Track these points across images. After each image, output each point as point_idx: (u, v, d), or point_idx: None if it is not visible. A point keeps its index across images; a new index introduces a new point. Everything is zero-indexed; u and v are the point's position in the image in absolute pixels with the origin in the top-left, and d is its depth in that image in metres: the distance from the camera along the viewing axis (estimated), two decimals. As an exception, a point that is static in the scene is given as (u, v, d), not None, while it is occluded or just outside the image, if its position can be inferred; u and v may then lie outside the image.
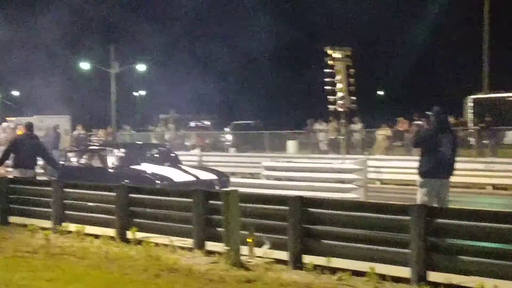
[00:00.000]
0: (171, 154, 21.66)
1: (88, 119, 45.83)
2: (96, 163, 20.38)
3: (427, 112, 14.88)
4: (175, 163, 20.37)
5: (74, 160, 21.28)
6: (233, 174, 29.33)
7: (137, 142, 29.92)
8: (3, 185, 16.30)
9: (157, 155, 21.07)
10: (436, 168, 13.24)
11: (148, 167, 19.20)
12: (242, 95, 73.05)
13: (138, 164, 19.57)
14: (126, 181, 17.17)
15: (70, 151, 23.10)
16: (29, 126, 18.47)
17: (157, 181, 18.00)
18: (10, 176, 17.94)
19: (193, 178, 18.63)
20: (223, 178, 19.62)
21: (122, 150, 20.81)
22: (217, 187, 18.34)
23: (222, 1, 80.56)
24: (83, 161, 20.99)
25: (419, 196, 13.36)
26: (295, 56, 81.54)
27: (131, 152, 20.82)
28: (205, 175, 19.27)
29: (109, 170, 19.53)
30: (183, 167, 19.93)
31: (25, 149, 17.52)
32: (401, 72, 72.01)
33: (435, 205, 12.84)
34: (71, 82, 56.65)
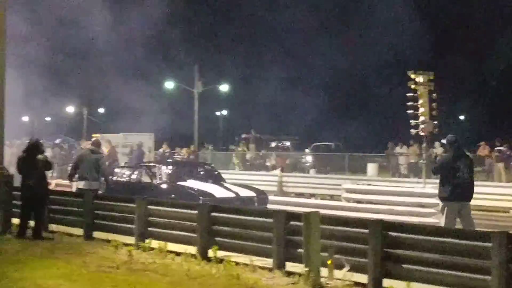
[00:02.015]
0: (215, 172, 22.94)
1: (171, 138, 46.36)
2: (145, 178, 21.60)
3: (442, 141, 15.70)
4: (218, 180, 21.60)
5: (125, 175, 22.58)
6: (313, 195, 29.41)
7: (184, 160, 31.22)
8: (89, 201, 16.63)
9: (202, 173, 22.48)
10: (455, 192, 14.31)
11: (193, 183, 20.44)
12: (322, 116, 73.03)
13: (184, 180, 20.80)
14: (172, 196, 19.16)
15: (120, 167, 24.75)
16: (95, 143, 20.00)
17: (200, 197, 18.93)
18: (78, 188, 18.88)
19: (233, 195, 19.74)
20: (262, 195, 20.67)
21: (170, 167, 22.25)
22: (256, 204, 19.62)
23: (302, 23, 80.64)
24: (134, 176, 22.24)
25: (442, 219, 14.52)
26: (377, 78, 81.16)
27: (178, 169, 22.33)
28: (245, 192, 20.29)
29: (157, 185, 20.78)
30: (225, 184, 21.15)
31: (87, 163, 18.49)
32: (483, 96, 71.06)
33: (460, 226, 14.09)
34: (156, 100, 57.43)
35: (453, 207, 14.41)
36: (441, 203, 14.80)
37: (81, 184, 18.48)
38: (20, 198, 16.78)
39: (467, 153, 15.63)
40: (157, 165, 22.41)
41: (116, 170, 23.33)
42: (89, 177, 18.37)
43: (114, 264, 12.91)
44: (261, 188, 29.54)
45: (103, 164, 19.15)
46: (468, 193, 14.61)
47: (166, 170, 21.61)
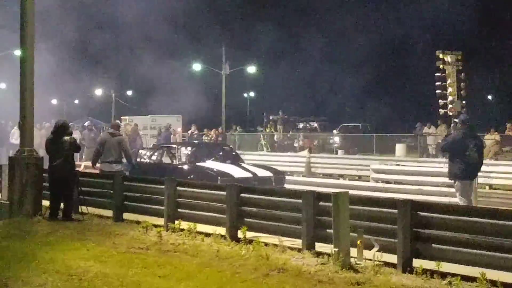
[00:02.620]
0: (233, 153, 23.84)
1: (199, 120, 46.50)
2: (166, 159, 22.19)
3: (455, 120, 15.74)
4: (236, 161, 22.12)
5: (147, 157, 22.95)
6: (341, 176, 29.37)
7: (203, 142, 31.69)
8: (118, 183, 16.72)
9: (221, 154, 22.84)
10: (467, 170, 14.86)
11: (212, 164, 20.89)
12: (350, 97, 72.82)
13: (204, 161, 21.24)
14: (191, 176, 19.58)
15: (143, 149, 25.09)
16: (115, 126, 20.38)
17: (218, 177, 19.29)
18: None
19: (251, 175, 20.08)
20: (279, 175, 21.08)
21: (190, 148, 22.77)
22: (273, 184, 19.92)
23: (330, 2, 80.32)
24: (154, 158, 22.70)
25: (458, 196, 15.04)
26: (406, 59, 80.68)
27: (198, 150, 22.79)
28: (262, 172, 20.62)
29: (176, 166, 21.23)
30: (243, 164, 21.64)
31: (109, 146, 18.70)
32: (510, 76, 70.40)
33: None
34: (184, 82, 57.51)
35: (466, 184, 15.00)
36: (454, 183, 15.25)
37: (105, 167, 18.70)
38: (48, 180, 16.96)
39: (477, 134, 15.93)
40: (177, 146, 22.85)
41: (141, 151, 23.64)
42: (112, 160, 18.61)
43: (144, 245, 13.00)
44: (290, 169, 30.00)
45: (125, 146, 19.31)
46: (475, 172, 15.29)
47: (185, 151, 22.08)
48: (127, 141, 21.08)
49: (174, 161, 21.64)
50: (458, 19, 70.09)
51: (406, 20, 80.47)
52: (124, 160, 19.20)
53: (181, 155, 21.66)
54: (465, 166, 14.83)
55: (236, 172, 20.07)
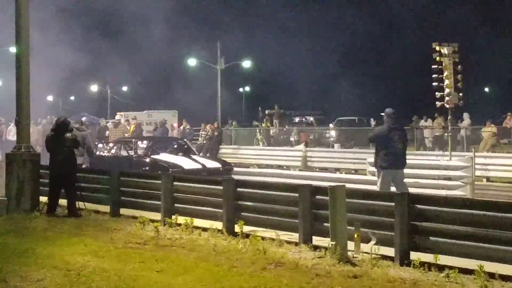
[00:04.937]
0: (185, 146, 25.15)
1: (195, 114, 46.49)
2: (124, 153, 24.01)
3: (381, 113, 17.80)
4: (188, 153, 23.62)
5: (107, 150, 24.75)
6: (338, 170, 29.37)
7: (158, 136, 33.10)
8: (115, 178, 16.74)
9: (175, 147, 24.76)
10: (389, 161, 15.81)
11: (165, 157, 22.55)
12: (346, 91, 72.83)
13: (158, 154, 23.03)
14: (146, 168, 21.24)
15: (102, 143, 27.02)
16: (80, 122, 22.81)
17: (170, 169, 20.39)
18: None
19: (200, 166, 21.74)
20: (227, 166, 22.83)
21: (145, 142, 25.05)
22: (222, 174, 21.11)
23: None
24: (113, 151, 24.51)
25: (378, 184, 15.95)
26: (401, 52, 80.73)
27: (153, 144, 24.75)
28: (211, 164, 22.52)
29: (134, 158, 22.89)
30: (193, 156, 23.32)
31: None
32: (507, 68, 70.42)
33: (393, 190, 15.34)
34: (180, 78, 57.51)
35: (388, 173, 15.85)
36: (377, 170, 16.21)
37: None
38: (48, 176, 16.98)
39: (402, 127, 17.06)
40: (133, 140, 24.88)
41: (100, 145, 25.22)
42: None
43: (141, 240, 13.03)
44: (286, 163, 30.18)
45: (89, 141, 20.85)
46: (400, 162, 16.02)
47: (141, 145, 24.29)
48: (89, 136, 22.72)
49: (130, 154, 23.39)
50: (455, 11, 70.17)
51: (403, 12, 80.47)
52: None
53: (137, 149, 23.65)
54: (389, 157, 15.84)
55: (186, 163, 21.60)
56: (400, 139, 16.07)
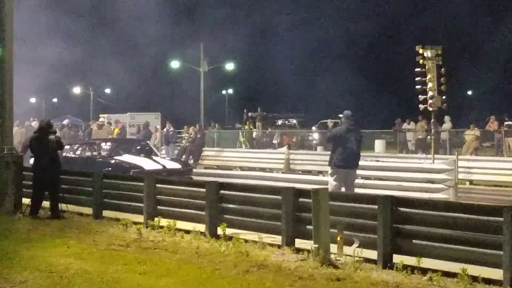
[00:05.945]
0: (147, 148, 26.01)
1: (178, 117, 46.41)
2: (88, 154, 24.63)
3: (340, 115, 18.44)
4: (149, 154, 24.30)
5: (72, 152, 25.25)
6: (321, 172, 29.35)
7: (121, 138, 33.58)
8: (98, 181, 16.69)
9: (137, 148, 25.41)
10: (344, 160, 16.34)
11: (127, 158, 23.05)
12: (328, 94, 72.91)
13: (121, 155, 23.48)
14: (109, 168, 21.49)
15: (68, 145, 26.73)
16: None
17: (131, 169, 21.34)
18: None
19: (161, 167, 22.36)
20: (187, 167, 24.00)
21: (109, 143, 25.36)
22: (183, 175, 22.13)
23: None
24: (78, 152, 25.14)
25: (330, 183, 16.33)
26: (384, 54, 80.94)
27: (115, 145, 25.04)
28: (171, 165, 23.32)
29: (97, 159, 23.46)
30: (155, 158, 24.06)
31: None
32: (491, 71, 70.72)
33: (343, 190, 16.08)
34: (162, 80, 57.41)
35: (341, 173, 16.39)
36: (330, 169, 16.67)
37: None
38: (32, 178, 16.93)
39: (358, 129, 17.50)
40: (97, 142, 25.70)
41: (66, 147, 24.59)
42: None
43: (124, 242, 13.00)
44: (269, 166, 30.19)
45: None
46: (354, 162, 16.61)
47: (105, 146, 24.66)
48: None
49: (94, 155, 24.03)
50: (439, 14, 70.44)
51: (387, 15, 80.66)
52: None
53: (101, 150, 24.12)
54: (343, 157, 16.37)
55: (147, 164, 22.16)
56: (356, 141, 16.62)
